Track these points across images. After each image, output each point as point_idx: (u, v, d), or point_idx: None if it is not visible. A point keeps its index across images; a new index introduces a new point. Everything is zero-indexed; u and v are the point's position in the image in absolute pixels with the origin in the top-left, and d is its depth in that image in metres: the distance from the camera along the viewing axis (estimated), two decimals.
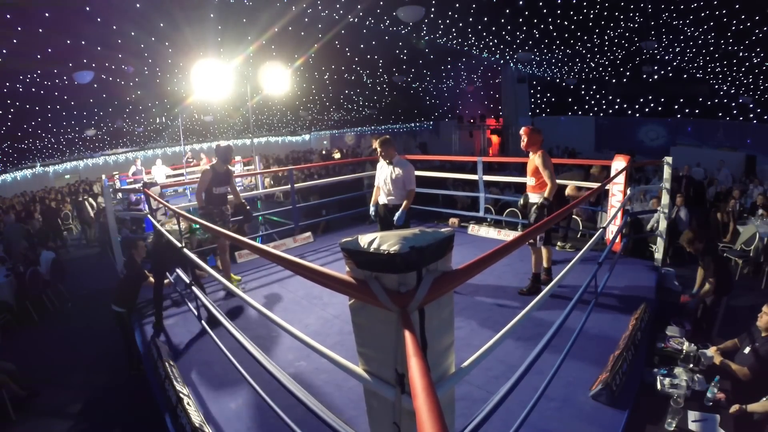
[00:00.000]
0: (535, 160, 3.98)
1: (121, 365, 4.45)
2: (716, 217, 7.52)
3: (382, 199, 4.35)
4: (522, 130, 4.08)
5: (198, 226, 4.45)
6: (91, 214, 12.00)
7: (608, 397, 2.57)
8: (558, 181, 4.14)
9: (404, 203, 4.18)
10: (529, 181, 4.10)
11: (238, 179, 8.91)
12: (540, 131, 4.09)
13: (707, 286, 4.12)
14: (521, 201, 4.29)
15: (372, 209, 4.55)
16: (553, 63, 15.08)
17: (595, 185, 4.71)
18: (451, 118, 21.75)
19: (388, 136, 4.36)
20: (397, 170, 4.21)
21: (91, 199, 12.76)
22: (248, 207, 4.76)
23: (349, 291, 1.19)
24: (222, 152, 4.49)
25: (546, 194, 3.86)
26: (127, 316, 4.27)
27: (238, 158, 14.50)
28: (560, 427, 2.43)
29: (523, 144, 4.05)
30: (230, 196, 4.64)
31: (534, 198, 4.03)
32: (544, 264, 4.17)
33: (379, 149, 4.26)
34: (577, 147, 17.89)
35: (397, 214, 4.16)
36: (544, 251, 4.12)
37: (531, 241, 3.96)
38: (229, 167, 4.59)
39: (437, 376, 1.17)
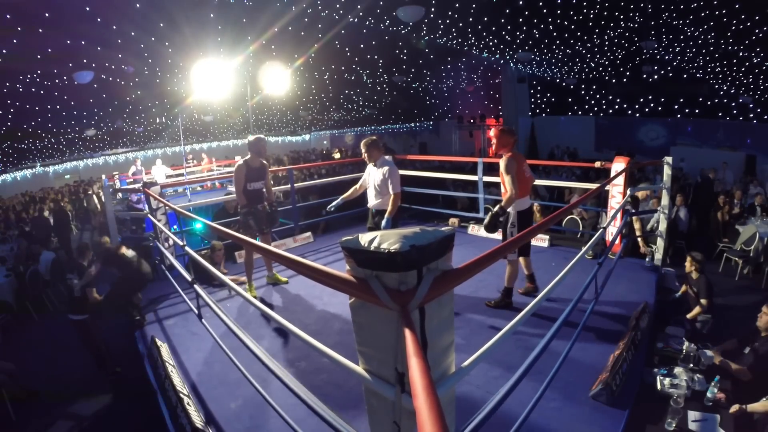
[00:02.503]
0: (500, 164, 3.61)
1: (121, 365, 4.45)
2: (716, 217, 7.52)
3: (371, 203, 4.27)
4: (492, 132, 3.74)
5: (202, 226, 4.47)
6: (98, 207, 12.01)
7: (608, 397, 2.57)
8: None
9: (389, 209, 3.94)
10: (502, 188, 3.75)
11: None
12: (512, 131, 3.71)
13: (698, 308, 4.12)
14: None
15: (339, 202, 4.47)
16: (553, 63, 15.06)
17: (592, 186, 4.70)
18: (451, 118, 21.73)
19: (374, 137, 4.28)
20: (382, 172, 4.10)
21: (96, 197, 12.80)
22: (276, 207, 4.60)
23: (349, 289, 1.19)
24: (254, 145, 4.30)
25: (503, 203, 3.48)
26: (90, 321, 4.26)
27: (238, 158, 14.46)
28: (560, 427, 2.43)
29: (493, 147, 3.72)
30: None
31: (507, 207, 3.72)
32: (525, 271, 4.02)
33: (364, 151, 4.18)
34: (577, 147, 17.89)
35: (383, 223, 3.92)
36: (522, 262, 3.93)
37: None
38: (263, 161, 4.42)
39: (437, 375, 1.17)
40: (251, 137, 4.36)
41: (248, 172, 4.25)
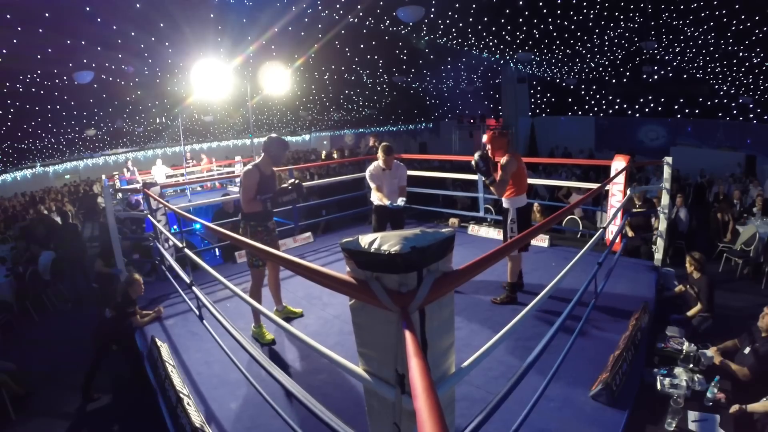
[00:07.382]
0: (500, 165, 3.82)
1: (120, 365, 4.45)
2: (717, 217, 7.52)
3: (393, 201, 4.36)
4: (484, 138, 3.93)
5: (200, 226, 4.45)
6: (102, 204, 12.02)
7: (608, 397, 2.57)
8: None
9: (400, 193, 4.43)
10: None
11: (237, 179, 8.83)
12: (505, 134, 3.92)
13: (698, 306, 4.13)
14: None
15: (387, 203, 4.45)
16: (553, 63, 15.07)
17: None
18: (451, 118, 21.74)
19: (387, 143, 4.48)
20: (396, 173, 4.45)
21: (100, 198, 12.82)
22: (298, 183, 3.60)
23: (349, 291, 1.19)
24: (275, 147, 3.31)
25: (495, 178, 3.75)
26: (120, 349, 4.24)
27: (238, 158, 14.54)
28: (560, 427, 2.43)
29: (489, 153, 3.86)
30: None
31: (505, 203, 3.94)
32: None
33: (382, 157, 4.37)
34: (577, 147, 17.90)
35: (400, 201, 4.30)
36: (517, 258, 3.98)
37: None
38: (274, 169, 3.48)
39: (437, 376, 1.17)
40: (272, 136, 3.38)
41: (261, 179, 3.28)
